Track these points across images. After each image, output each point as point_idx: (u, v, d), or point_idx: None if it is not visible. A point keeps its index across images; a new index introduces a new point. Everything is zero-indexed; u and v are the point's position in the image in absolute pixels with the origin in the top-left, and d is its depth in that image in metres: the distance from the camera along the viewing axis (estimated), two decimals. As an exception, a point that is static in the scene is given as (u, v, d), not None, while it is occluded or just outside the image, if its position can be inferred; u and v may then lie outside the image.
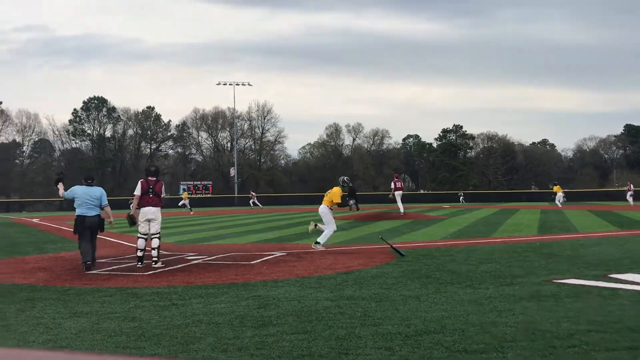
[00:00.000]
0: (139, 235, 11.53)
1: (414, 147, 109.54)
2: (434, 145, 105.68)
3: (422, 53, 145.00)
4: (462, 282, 8.63)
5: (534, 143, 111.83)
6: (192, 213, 42.36)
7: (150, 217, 11.48)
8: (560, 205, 39.18)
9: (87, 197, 11.39)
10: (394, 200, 28.38)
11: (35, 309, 7.28)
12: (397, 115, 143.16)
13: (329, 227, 14.10)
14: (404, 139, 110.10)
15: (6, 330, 6.16)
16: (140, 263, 11.36)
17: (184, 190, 64.17)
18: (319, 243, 13.85)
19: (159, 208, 11.65)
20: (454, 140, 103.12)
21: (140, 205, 11.52)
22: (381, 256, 12.19)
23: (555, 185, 43.47)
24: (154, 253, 11.31)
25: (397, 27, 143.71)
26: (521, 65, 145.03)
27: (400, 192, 28.14)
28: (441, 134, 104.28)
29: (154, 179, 11.63)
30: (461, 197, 68.53)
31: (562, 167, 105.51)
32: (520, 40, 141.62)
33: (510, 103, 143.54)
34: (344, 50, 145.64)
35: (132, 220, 11.72)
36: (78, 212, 11.42)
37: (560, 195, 40.58)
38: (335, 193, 14.30)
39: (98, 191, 11.60)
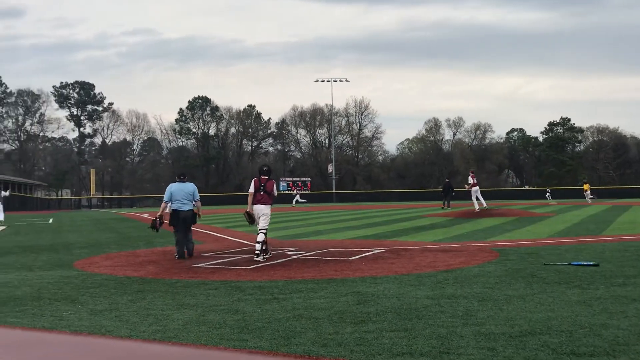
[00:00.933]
0: (259, 230, 12.05)
1: (519, 141, 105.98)
2: (540, 139, 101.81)
3: (525, 43, 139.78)
4: (570, 282, 8.26)
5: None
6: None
7: (260, 214, 11.99)
8: (590, 202, 44.27)
9: (182, 193, 12.69)
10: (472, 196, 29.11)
11: (145, 301, 7.64)
12: (499, 109, 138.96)
13: None
14: (507, 133, 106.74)
15: (119, 320, 6.50)
16: (264, 255, 11.81)
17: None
18: None
19: (269, 205, 12.15)
20: (562, 134, 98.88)
21: (253, 202, 12.08)
22: (483, 254, 11.89)
23: (585, 183, 50.81)
24: (258, 247, 11.73)
25: (497, 17, 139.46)
26: (633, 53, 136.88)
27: (477, 187, 28.85)
28: (547, 128, 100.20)
29: (266, 177, 12.15)
30: (548, 194, 65.35)
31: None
32: (631, 27, 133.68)
33: (621, 94, 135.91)
34: (442, 42, 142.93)
35: (250, 217, 12.18)
36: (173, 206, 12.76)
37: (588, 193, 47.38)
38: None
39: (191, 187, 12.91)
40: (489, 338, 5.33)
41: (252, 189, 12.08)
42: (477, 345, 5.11)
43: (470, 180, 28.89)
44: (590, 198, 47.73)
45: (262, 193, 12.01)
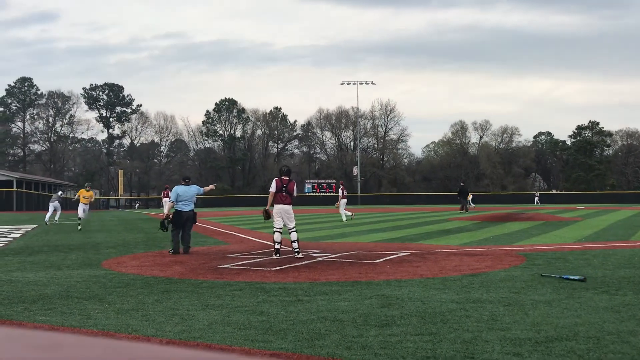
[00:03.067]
0: (274, 229, 12.53)
1: (546, 144, 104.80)
2: (568, 142, 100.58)
3: (553, 46, 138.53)
4: (598, 288, 8.15)
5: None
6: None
7: (284, 214, 12.40)
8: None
9: (187, 195, 13.70)
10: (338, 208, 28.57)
11: (171, 301, 7.71)
12: (527, 112, 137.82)
13: None
14: (535, 137, 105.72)
15: (145, 320, 6.57)
16: (277, 254, 12.30)
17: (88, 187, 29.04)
18: None
19: (291, 206, 12.58)
20: (590, 138, 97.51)
21: (275, 202, 12.46)
22: (509, 259, 11.78)
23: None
24: (295, 245, 12.31)
25: (526, 20, 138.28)
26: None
27: (345, 200, 28.27)
28: (575, 131, 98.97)
29: (287, 178, 12.54)
30: (536, 198, 64.86)
31: None
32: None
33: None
34: (470, 46, 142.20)
35: (267, 214, 12.87)
36: (177, 207, 13.72)
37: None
38: None
39: (194, 190, 14.01)
40: (514, 343, 5.28)
41: (273, 189, 12.47)
42: (503, 350, 5.07)
43: (340, 192, 28.49)
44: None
45: (284, 194, 12.39)
